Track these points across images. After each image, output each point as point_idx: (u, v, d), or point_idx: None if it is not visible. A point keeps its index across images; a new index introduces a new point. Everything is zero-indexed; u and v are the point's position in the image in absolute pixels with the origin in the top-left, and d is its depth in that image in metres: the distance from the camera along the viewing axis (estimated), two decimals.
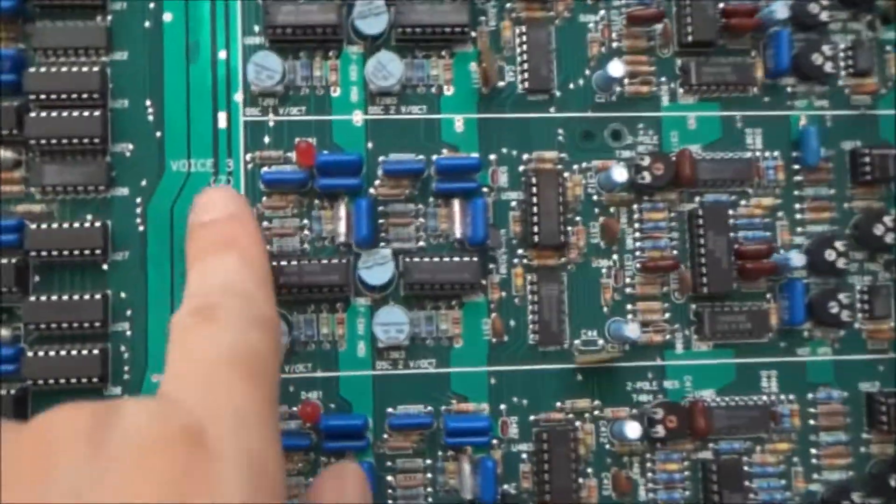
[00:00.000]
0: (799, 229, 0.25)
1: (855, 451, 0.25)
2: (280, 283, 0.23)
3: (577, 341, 0.24)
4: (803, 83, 0.25)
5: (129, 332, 0.23)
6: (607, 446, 0.24)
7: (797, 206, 0.25)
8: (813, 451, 0.25)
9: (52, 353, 0.22)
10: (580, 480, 0.24)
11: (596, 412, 0.24)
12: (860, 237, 0.25)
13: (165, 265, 0.23)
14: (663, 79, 0.25)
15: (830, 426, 0.25)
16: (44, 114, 0.23)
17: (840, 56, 0.25)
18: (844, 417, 0.25)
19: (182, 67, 0.24)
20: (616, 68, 0.24)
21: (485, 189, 0.24)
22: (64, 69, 0.23)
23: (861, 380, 0.25)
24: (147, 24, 0.24)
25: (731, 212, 0.25)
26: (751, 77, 0.25)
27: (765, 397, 0.25)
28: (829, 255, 0.25)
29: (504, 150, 0.25)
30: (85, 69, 0.23)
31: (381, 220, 0.24)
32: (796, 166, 0.25)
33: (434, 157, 0.24)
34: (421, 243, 0.24)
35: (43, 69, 0.23)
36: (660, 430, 0.24)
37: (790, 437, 0.25)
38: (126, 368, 0.23)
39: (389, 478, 0.24)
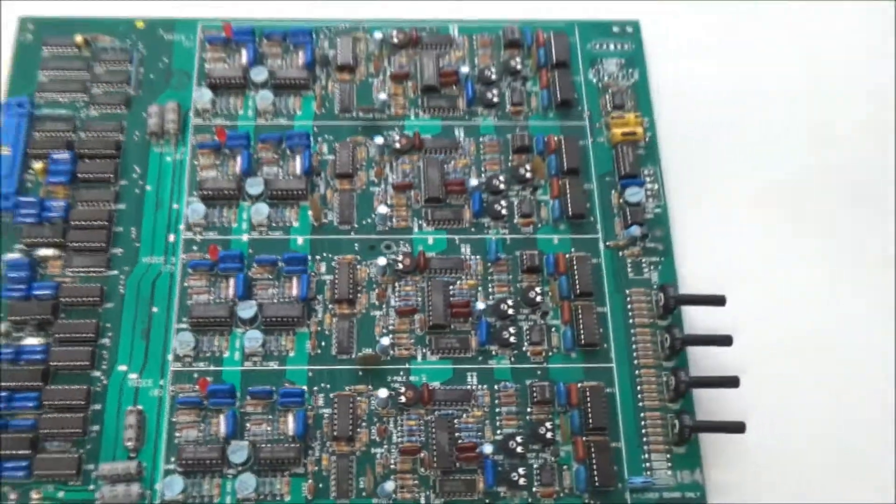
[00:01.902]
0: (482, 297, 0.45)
1: (522, 418, 0.43)
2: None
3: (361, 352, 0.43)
4: None
5: (107, 341, 0.43)
6: (374, 409, 0.42)
7: (490, 287, 0.45)
8: (497, 418, 0.43)
9: (73, 349, 0.42)
10: (357, 430, 0.42)
11: (370, 390, 0.43)
12: (523, 300, 0.45)
13: (130, 312, 0.43)
14: None
15: (507, 403, 0.43)
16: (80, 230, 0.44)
17: None
18: (515, 399, 0.43)
19: (153, 212, 0.45)
20: None
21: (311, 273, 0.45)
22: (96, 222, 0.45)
23: (526, 378, 0.43)
24: (136, 191, 0.46)
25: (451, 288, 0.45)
26: None
27: (468, 386, 0.43)
28: (504, 307, 0.44)
29: (326, 254, 0.45)
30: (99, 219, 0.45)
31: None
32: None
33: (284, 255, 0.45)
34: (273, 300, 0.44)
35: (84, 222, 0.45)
36: (403, 399, 0.42)
37: (483, 409, 0.43)
38: (105, 358, 0.42)
39: (247, 424, 0.42)
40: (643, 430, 0.43)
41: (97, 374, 0.42)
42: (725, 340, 0.43)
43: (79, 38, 0.48)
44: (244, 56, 0.49)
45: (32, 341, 0.42)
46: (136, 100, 0.48)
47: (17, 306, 0.42)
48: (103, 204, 0.45)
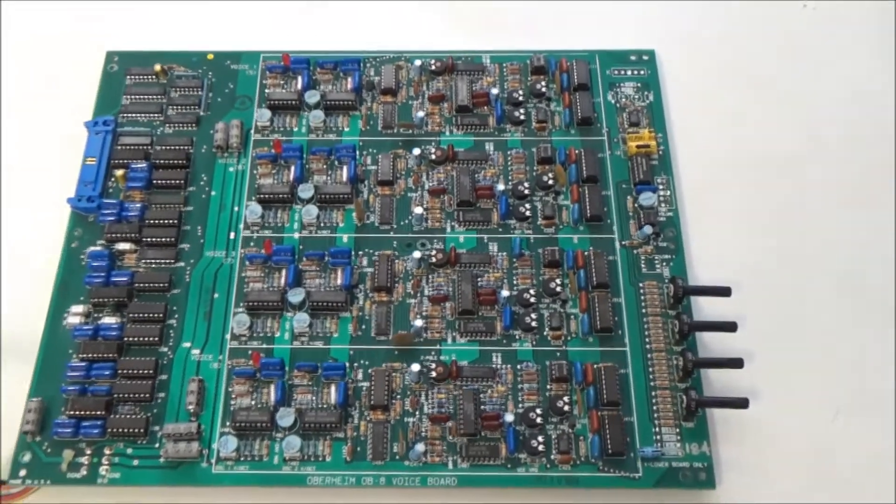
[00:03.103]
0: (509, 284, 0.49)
1: (542, 394, 0.47)
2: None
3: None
4: None
5: (174, 321, 0.48)
6: (408, 383, 0.47)
7: (514, 279, 0.50)
8: (519, 393, 0.47)
9: (144, 326, 0.47)
10: (392, 401, 0.46)
11: (404, 367, 0.47)
12: (544, 290, 0.49)
13: (195, 297, 0.49)
14: None
15: (528, 380, 0.47)
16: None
17: None
18: (536, 377, 0.47)
19: (217, 213, 0.51)
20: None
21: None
22: (167, 221, 0.51)
23: (546, 359, 0.48)
24: (203, 196, 0.52)
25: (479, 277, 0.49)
26: None
27: (493, 365, 0.47)
28: (526, 296, 0.49)
29: (368, 250, 0.50)
30: (170, 218, 0.51)
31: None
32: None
33: (331, 249, 0.50)
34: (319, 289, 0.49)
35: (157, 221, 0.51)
36: (433, 374, 0.47)
37: (506, 385, 0.47)
38: (171, 336, 0.48)
39: (294, 394, 0.46)
40: (654, 407, 0.46)
41: (164, 349, 0.48)
42: (730, 326, 0.47)
43: (157, 67, 0.55)
44: (300, 82, 0.55)
45: (109, 320, 0.48)
46: (204, 119, 0.55)
47: (98, 291, 0.48)
48: (174, 206, 0.51)
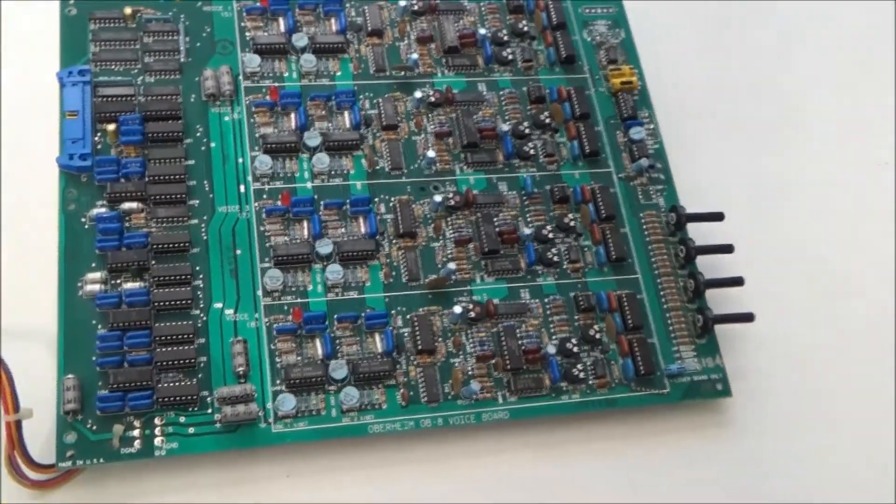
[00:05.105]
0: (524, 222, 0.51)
1: (571, 324, 0.49)
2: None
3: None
4: None
5: (200, 282, 0.46)
6: (447, 325, 0.48)
7: (528, 217, 0.52)
8: (551, 326, 0.49)
9: (172, 290, 0.45)
10: (436, 344, 0.47)
11: (442, 312, 0.48)
12: (558, 226, 0.51)
13: (216, 255, 0.47)
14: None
15: (557, 312, 0.50)
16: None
17: None
18: (564, 309, 0.50)
19: (221, 165, 0.49)
20: None
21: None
22: (173, 176, 0.48)
23: (570, 291, 0.50)
24: (202, 148, 0.50)
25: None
26: None
27: (523, 301, 0.49)
28: (545, 233, 0.51)
29: (383, 196, 0.50)
30: (175, 174, 0.48)
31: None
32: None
33: (350, 198, 0.50)
34: (344, 238, 0.49)
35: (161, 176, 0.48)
36: (472, 314, 0.48)
37: (538, 319, 0.49)
38: (201, 297, 0.46)
39: (339, 346, 0.46)
40: (670, 327, 0.50)
41: (196, 311, 0.46)
42: (728, 249, 0.52)
43: (127, 10, 0.51)
44: (282, 24, 0.53)
45: (132, 285, 0.45)
46: (186, 66, 0.52)
47: (115, 255, 0.46)
48: (177, 161, 0.49)
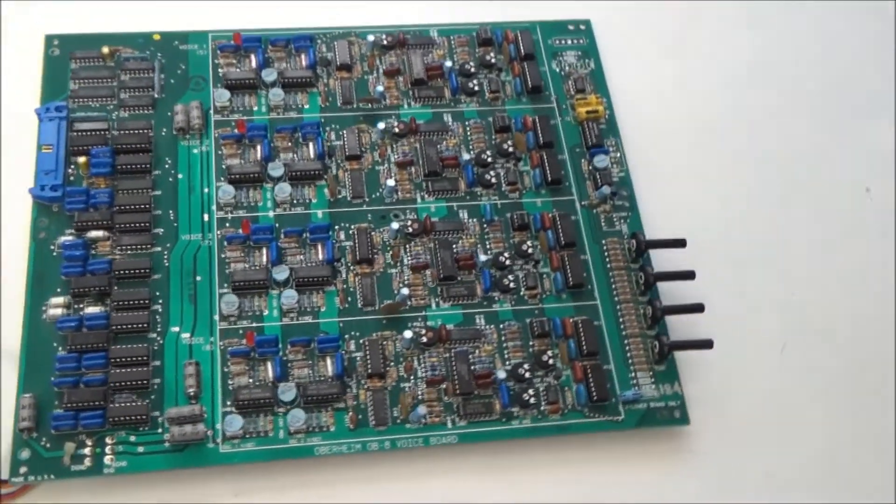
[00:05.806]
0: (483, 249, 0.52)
1: (526, 350, 0.50)
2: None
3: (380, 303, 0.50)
4: None
5: (159, 307, 0.48)
6: (400, 349, 0.49)
7: (487, 244, 0.52)
8: (505, 351, 0.50)
9: (130, 314, 0.47)
10: (386, 368, 0.48)
11: (395, 337, 0.49)
12: (517, 252, 0.52)
13: (176, 281, 0.49)
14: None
15: (512, 338, 0.50)
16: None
17: None
18: (519, 335, 0.50)
19: (187, 196, 0.51)
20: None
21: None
22: (138, 206, 0.50)
23: (527, 317, 0.51)
24: (170, 179, 0.52)
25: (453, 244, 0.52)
26: None
27: (477, 327, 0.50)
28: (502, 259, 0.51)
29: (343, 224, 0.52)
30: (141, 204, 0.50)
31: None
32: None
33: (309, 226, 0.51)
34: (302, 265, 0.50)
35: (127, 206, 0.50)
36: (424, 339, 0.49)
37: (492, 345, 0.50)
38: (159, 321, 0.48)
39: (291, 369, 0.47)
40: (628, 354, 0.50)
41: (153, 335, 0.48)
42: (689, 275, 0.52)
43: (105, 50, 0.54)
44: (253, 60, 0.55)
45: (93, 310, 0.47)
46: (160, 102, 0.54)
47: (78, 281, 0.48)
48: (144, 191, 0.51)
